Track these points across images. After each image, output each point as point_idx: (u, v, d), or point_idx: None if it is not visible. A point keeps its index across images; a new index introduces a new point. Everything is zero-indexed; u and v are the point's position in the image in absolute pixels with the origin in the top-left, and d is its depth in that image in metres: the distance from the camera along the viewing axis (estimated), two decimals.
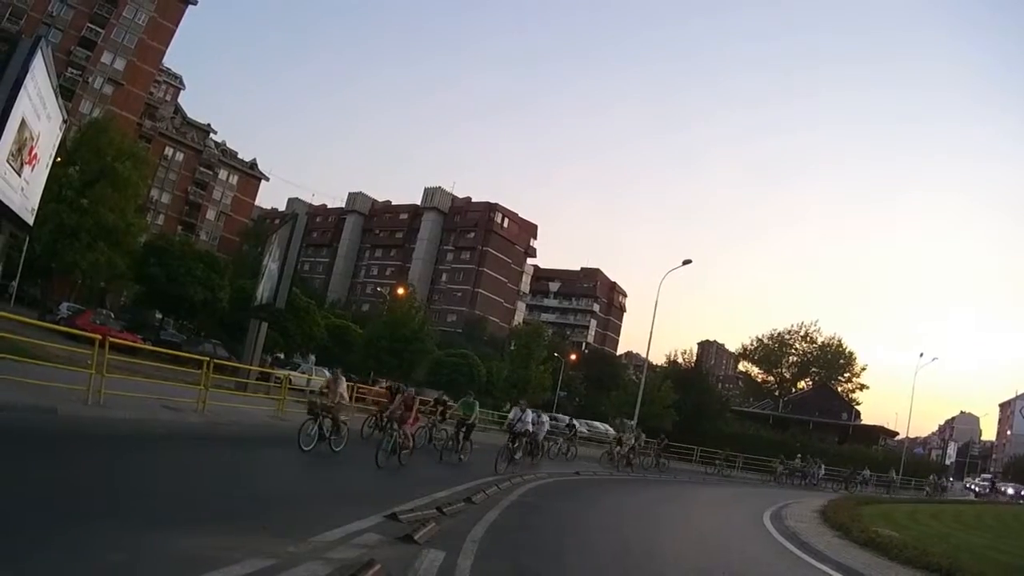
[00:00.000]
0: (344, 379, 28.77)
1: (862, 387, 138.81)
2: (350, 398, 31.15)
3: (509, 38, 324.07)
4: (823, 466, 70.51)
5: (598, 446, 66.06)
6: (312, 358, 73.97)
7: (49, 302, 68.62)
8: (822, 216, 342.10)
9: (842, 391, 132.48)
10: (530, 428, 35.36)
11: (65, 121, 38.23)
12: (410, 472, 24.75)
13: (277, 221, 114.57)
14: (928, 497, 70.69)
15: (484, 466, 29.71)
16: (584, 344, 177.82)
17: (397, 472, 24.18)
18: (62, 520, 10.51)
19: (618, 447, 52.06)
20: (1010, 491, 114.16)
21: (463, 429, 31.99)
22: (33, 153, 30.96)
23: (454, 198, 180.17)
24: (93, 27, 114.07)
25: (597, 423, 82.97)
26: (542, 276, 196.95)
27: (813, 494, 54.61)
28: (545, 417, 42.64)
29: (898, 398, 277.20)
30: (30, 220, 34.31)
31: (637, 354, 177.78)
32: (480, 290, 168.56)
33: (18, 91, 25.77)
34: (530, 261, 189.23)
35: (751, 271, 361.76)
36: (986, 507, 70.11)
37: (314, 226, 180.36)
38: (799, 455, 68.88)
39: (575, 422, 59.52)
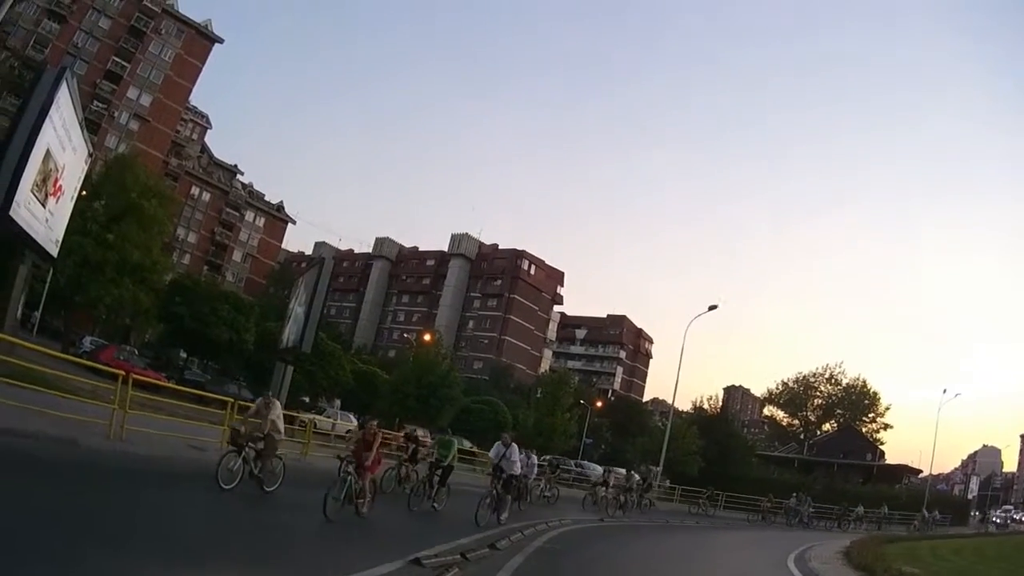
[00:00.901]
0: (279, 403, 23.85)
1: (886, 427, 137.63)
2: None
3: (535, 86, 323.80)
4: (811, 504, 68.17)
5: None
6: (337, 403, 73.71)
7: (72, 335, 68.16)
8: (845, 254, 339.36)
9: (866, 431, 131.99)
10: (518, 470, 28.19)
11: (91, 154, 38.16)
12: (367, 524, 20.47)
13: (304, 265, 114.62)
14: (918, 533, 69.14)
15: (463, 516, 24.48)
16: (610, 391, 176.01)
17: (347, 525, 19.39)
18: (67, 549, 10.38)
19: (602, 487, 46.49)
20: None
21: (438, 472, 26.46)
22: (58, 185, 30.82)
23: (481, 245, 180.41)
24: (119, 61, 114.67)
25: (622, 470, 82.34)
26: (569, 323, 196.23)
27: (818, 535, 54.57)
28: (535, 456, 38.60)
29: (922, 435, 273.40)
30: (54, 251, 34.17)
31: (663, 400, 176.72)
32: (507, 337, 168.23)
33: (43, 121, 25.67)
34: (557, 308, 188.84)
35: (776, 314, 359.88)
36: (1007, 538, 70.31)
37: (341, 271, 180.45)
38: (795, 493, 67.58)
39: (556, 460, 55.45)
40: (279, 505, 21.07)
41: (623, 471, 53.56)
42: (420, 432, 42.14)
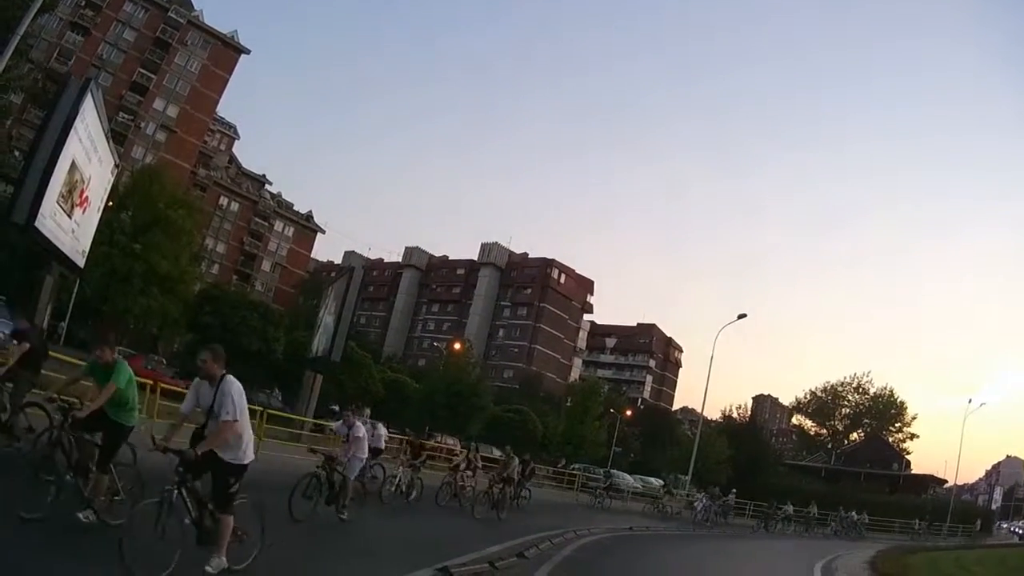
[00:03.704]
0: None
1: (912, 436, 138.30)
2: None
3: (564, 95, 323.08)
4: (723, 499, 57.62)
5: (642, 500, 60.95)
6: (367, 411, 73.59)
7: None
8: (873, 263, 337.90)
9: (893, 441, 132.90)
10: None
11: (117, 166, 38.19)
12: None
13: (333, 274, 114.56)
14: (835, 536, 65.48)
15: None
16: (640, 400, 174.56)
17: None
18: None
19: (461, 474, 31.07)
20: None
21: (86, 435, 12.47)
22: (84, 196, 30.77)
23: (511, 253, 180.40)
24: (145, 72, 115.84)
25: (651, 479, 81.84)
26: (598, 332, 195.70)
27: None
28: (372, 428, 27.04)
29: (947, 445, 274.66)
30: (81, 262, 34.18)
31: (693, 409, 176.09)
32: (537, 346, 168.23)
33: (68, 132, 25.55)
34: (587, 317, 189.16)
35: (805, 323, 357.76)
36: None
37: (371, 280, 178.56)
38: (710, 486, 64.91)
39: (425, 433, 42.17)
40: None
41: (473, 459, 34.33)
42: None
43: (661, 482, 69.62)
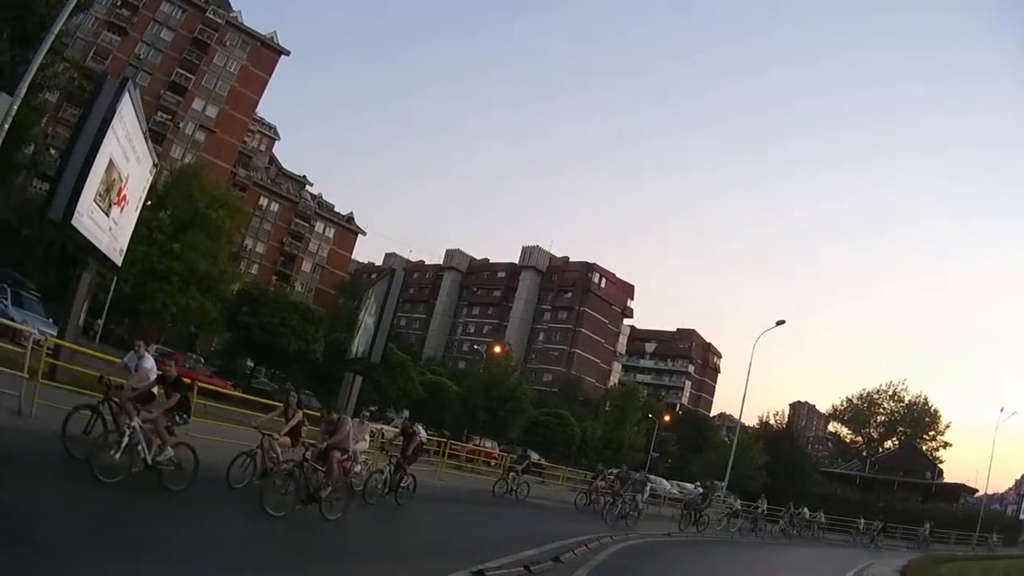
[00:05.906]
0: None
1: (946, 445, 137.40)
2: None
3: (605, 99, 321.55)
4: (651, 489, 46.75)
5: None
6: (406, 413, 73.66)
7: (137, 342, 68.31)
8: (912, 272, 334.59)
9: (927, 449, 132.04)
10: None
11: (156, 165, 38.20)
12: None
13: (374, 276, 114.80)
14: (785, 535, 60.36)
15: None
16: (678, 405, 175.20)
17: None
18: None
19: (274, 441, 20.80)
20: None
21: None
22: (122, 195, 30.81)
23: (552, 257, 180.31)
24: (183, 72, 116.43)
25: (688, 484, 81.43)
26: (638, 337, 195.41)
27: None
28: (136, 358, 21.58)
29: (979, 454, 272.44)
30: (118, 260, 34.19)
31: (730, 415, 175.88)
32: (576, 350, 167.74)
33: (105, 131, 25.53)
34: (627, 321, 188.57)
35: (844, 328, 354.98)
36: None
37: (411, 282, 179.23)
38: (622, 468, 60.11)
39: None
40: None
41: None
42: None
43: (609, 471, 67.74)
